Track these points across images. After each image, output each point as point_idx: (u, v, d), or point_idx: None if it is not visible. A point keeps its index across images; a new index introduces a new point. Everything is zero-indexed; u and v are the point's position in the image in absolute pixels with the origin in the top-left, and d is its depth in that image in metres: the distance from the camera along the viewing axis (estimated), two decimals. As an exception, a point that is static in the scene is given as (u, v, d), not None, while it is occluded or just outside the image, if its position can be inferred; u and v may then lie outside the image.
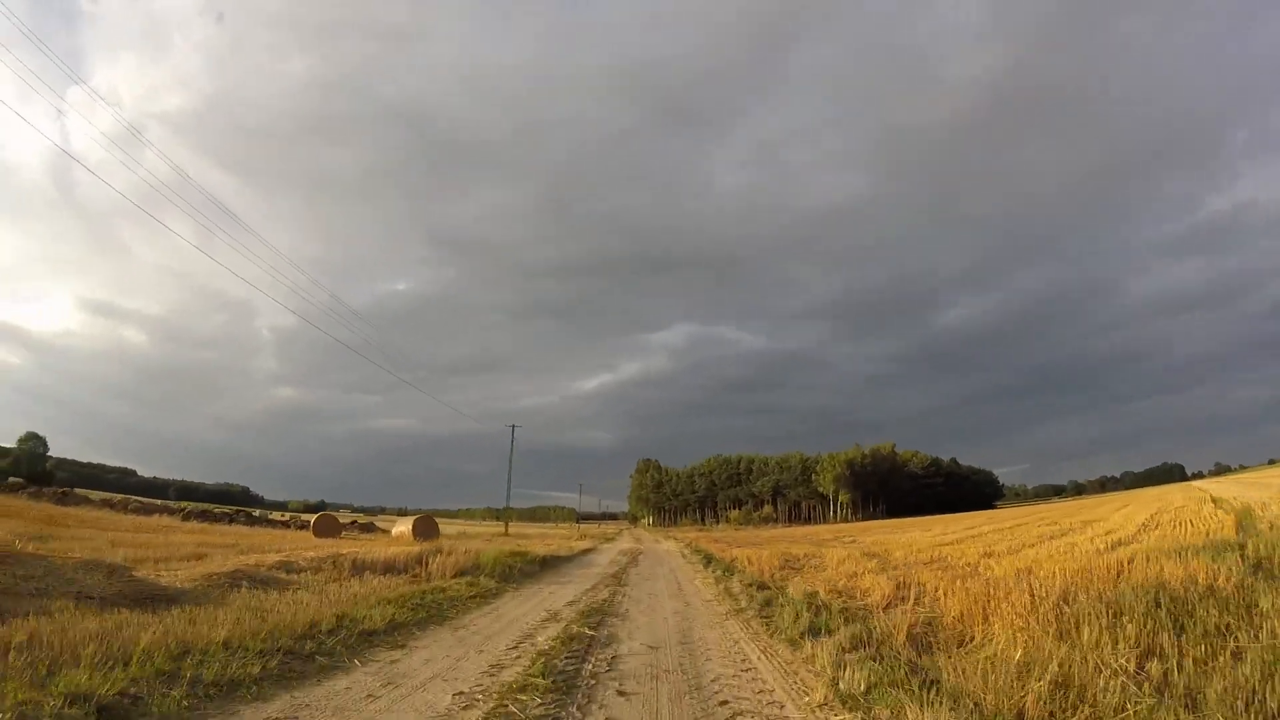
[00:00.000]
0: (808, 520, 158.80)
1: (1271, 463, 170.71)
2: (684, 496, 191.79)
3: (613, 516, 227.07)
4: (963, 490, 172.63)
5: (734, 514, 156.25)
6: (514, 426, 62.82)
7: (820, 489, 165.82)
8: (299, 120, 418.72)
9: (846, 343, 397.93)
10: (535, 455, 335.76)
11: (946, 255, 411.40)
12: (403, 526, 42.18)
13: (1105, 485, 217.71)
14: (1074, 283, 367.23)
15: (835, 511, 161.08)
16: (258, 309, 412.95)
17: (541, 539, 51.14)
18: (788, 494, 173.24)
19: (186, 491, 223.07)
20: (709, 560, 28.33)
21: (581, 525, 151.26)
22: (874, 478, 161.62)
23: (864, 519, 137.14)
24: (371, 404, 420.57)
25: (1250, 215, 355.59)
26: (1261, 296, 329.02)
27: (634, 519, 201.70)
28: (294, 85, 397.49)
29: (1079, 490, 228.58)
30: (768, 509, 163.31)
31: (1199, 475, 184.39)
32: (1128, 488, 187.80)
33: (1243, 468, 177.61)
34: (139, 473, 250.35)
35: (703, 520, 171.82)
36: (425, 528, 40.94)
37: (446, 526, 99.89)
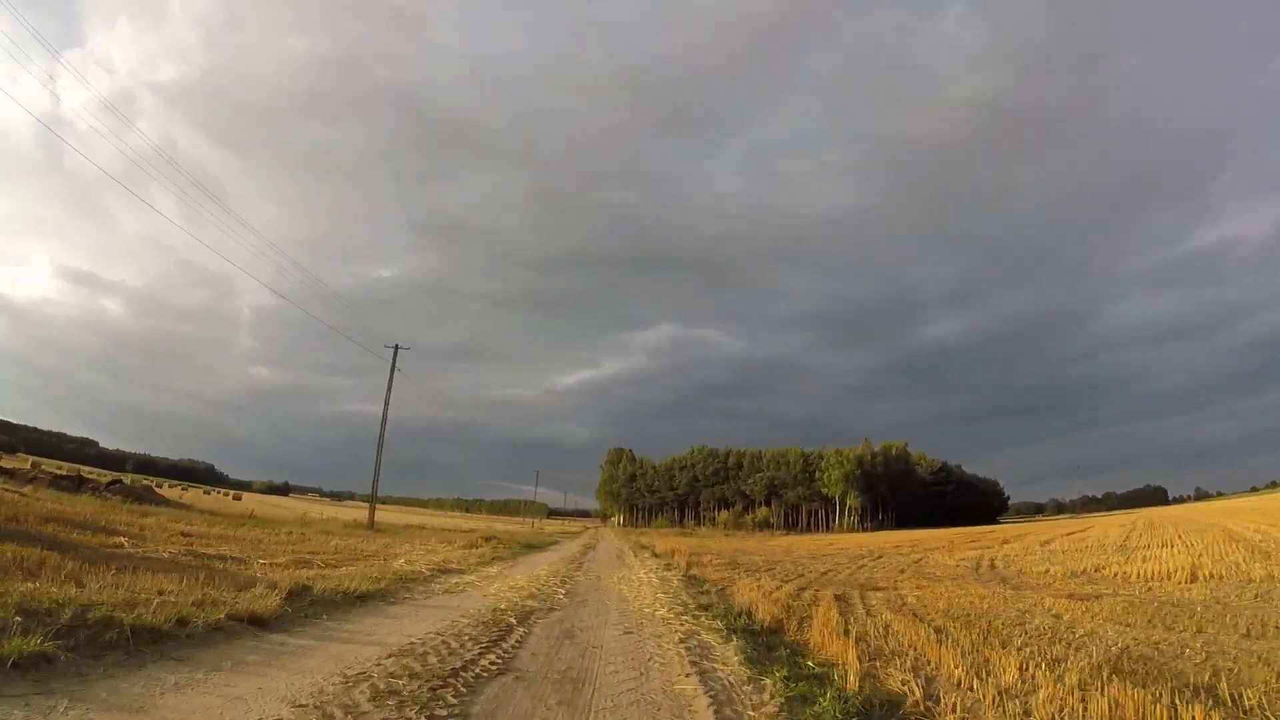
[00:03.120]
0: (809, 528, 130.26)
1: (1254, 490, 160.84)
2: (661, 493, 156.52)
3: (584, 513, 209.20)
4: (972, 500, 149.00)
5: (723, 516, 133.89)
6: (396, 347, 44.52)
7: (825, 490, 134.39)
8: (294, 98, 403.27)
9: (828, 352, 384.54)
10: (511, 447, 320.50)
11: (933, 272, 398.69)
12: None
13: (1088, 505, 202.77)
14: (1057, 306, 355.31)
15: (841, 518, 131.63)
16: (239, 287, 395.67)
17: (444, 541, 32.73)
18: (785, 494, 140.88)
19: (145, 465, 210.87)
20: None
21: (538, 522, 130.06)
22: (884, 480, 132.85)
23: (873, 528, 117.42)
24: (347, 387, 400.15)
25: (1233, 251, 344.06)
26: (1239, 331, 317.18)
27: (604, 517, 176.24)
28: (291, 62, 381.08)
29: (1059, 509, 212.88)
30: (763, 511, 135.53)
31: (1180, 500, 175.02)
32: (1110, 509, 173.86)
33: (1221, 494, 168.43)
34: (101, 444, 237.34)
35: (681, 521, 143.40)
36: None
37: (405, 516, 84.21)
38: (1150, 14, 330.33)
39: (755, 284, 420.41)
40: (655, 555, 32.35)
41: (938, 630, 11.18)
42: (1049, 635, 11.13)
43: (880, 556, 35.30)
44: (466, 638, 8.84)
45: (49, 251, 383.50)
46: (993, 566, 27.83)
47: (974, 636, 10.65)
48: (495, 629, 9.64)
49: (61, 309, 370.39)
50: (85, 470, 57.08)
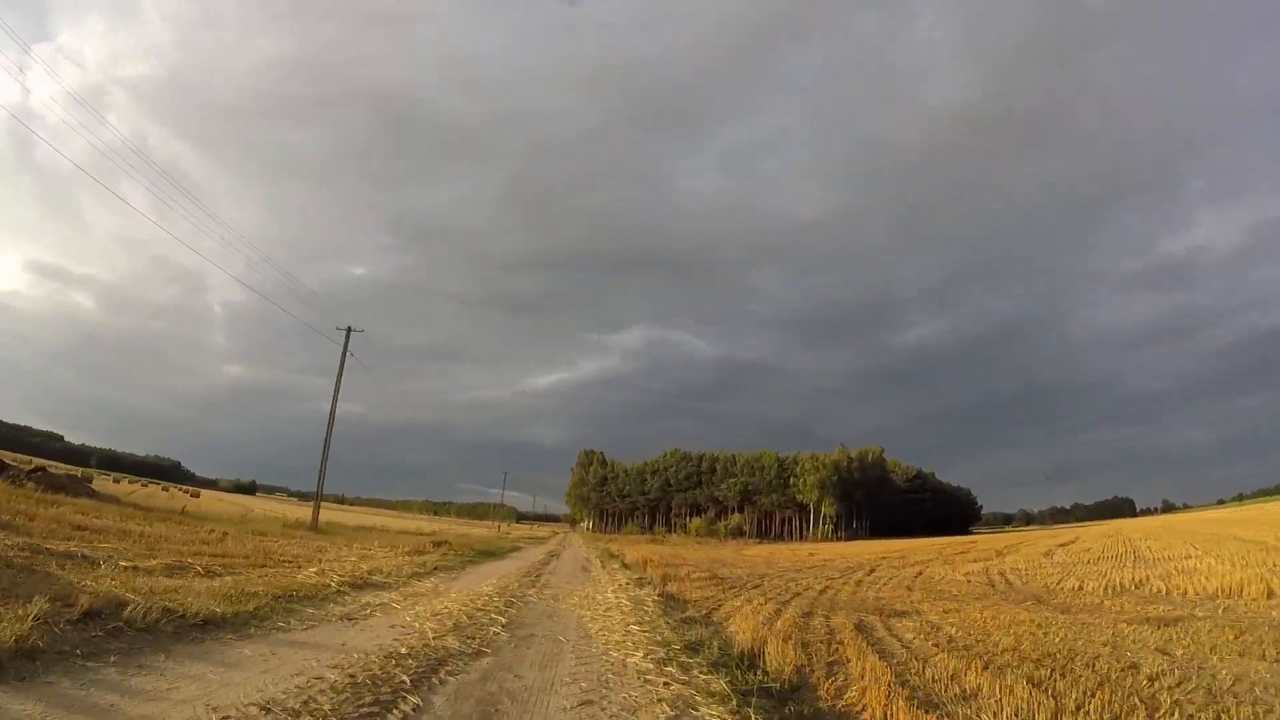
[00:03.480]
0: (783, 535, 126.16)
1: (1220, 503, 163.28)
2: (632, 498, 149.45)
3: (554, 518, 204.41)
4: (948, 509, 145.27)
5: (695, 523, 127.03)
6: (349, 329, 40.69)
7: (800, 496, 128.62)
8: (265, 97, 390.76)
9: (805, 354, 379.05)
10: (482, 449, 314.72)
11: (909, 273, 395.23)
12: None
13: (1056, 516, 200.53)
14: (1031, 310, 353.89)
15: (816, 525, 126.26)
16: (210, 283, 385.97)
17: (389, 545, 29.05)
18: (759, 501, 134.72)
19: (110, 460, 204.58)
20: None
21: (503, 526, 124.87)
22: (860, 487, 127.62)
23: (848, 537, 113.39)
24: (320, 387, 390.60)
25: (1205, 257, 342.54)
26: (1211, 335, 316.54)
27: (573, 522, 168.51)
28: (263, 62, 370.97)
29: (1028, 520, 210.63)
30: (736, 518, 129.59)
31: (1148, 512, 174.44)
32: (1079, 520, 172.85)
33: (1187, 507, 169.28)
34: (66, 438, 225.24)
35: (651, 527, 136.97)
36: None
37: (366, 517, 79.98)
38: (1124, 15, 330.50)
39: (732, 285, 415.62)
40: (625, 566, 28.91)
41: (1033, 683, 7.72)
42: (1193, 685, 7.80)
43: (873, 570, 32.12)
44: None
45: (18, 246, 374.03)
46: (1008, 582, 24.71)
47: (1085, 692, 7.26)
48: (370, 696, 5.99)
49: (29, 302, 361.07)
50: (12, 458, 52.53)
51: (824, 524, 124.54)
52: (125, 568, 11.61)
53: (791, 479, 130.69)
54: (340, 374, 40.27)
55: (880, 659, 9.43)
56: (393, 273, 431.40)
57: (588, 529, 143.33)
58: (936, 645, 11.29)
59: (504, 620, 11.02)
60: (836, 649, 10.63)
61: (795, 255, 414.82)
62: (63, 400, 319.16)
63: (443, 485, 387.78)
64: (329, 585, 12.91)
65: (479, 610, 11.76)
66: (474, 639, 9.20)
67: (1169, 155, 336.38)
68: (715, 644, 10.17)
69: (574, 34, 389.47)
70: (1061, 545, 45.67)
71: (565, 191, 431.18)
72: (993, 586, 23.24)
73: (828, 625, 13.41)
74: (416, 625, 9.83)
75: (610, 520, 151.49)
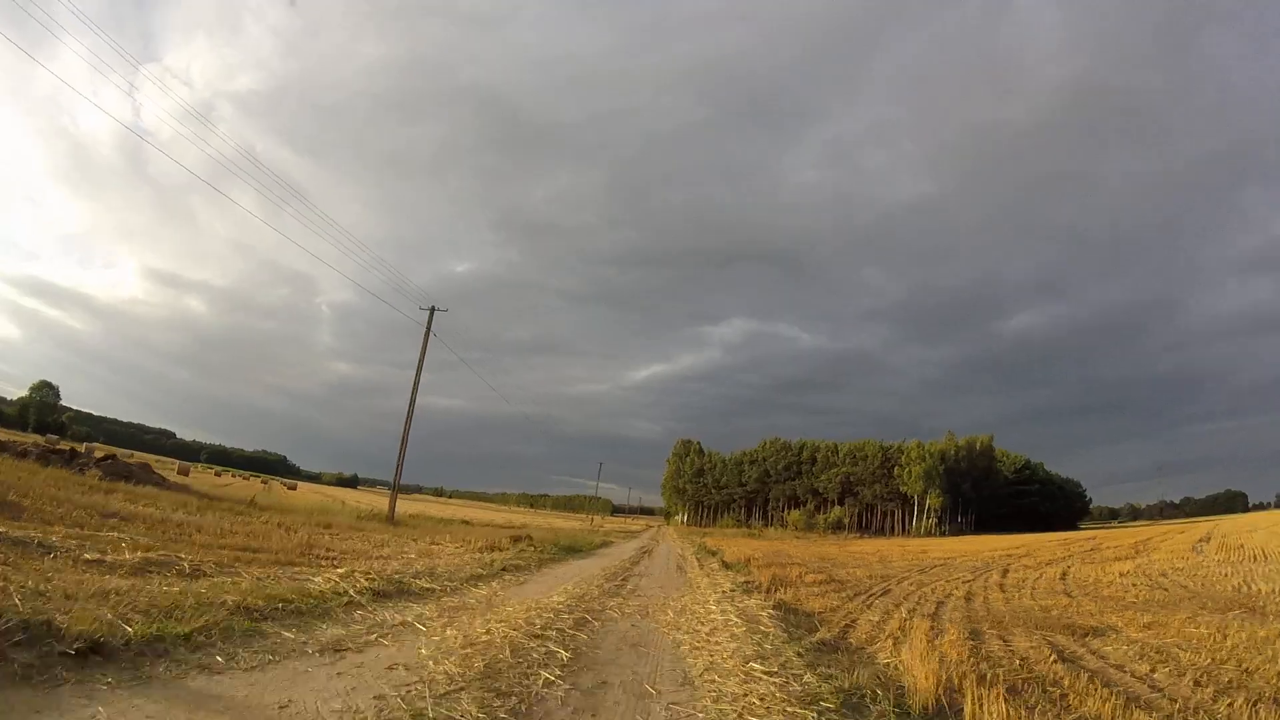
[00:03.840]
0: (882, 531, 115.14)
1: None
2: (729, 489, 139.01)
3: (649, 511, 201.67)
4: (1056, 502, 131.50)
5: (794, 515, 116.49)
6: (433, 309, 38.17)
7: (904, 488, 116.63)
8: (372, 100, 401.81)
9: (906, 346, 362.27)
10: (581, 442, 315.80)
11: (1016, 263, 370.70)
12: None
13: (1165, 511, 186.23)
14: (1144, 297, 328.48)
15: (920, 519, 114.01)
16: (319, 285, 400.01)
17: (461, 540, 26.13)
18: (860, 493, 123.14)
19: (219, 455, 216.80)
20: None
21: (596, 519, 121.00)
22: (968, 478, 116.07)
23: (952, 531, 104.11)
24: (426, 382, 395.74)
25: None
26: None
27: (667, 515, 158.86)
28: (368, 66, 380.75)
29: (1134, 514, 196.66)
30: (837, 511, 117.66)
31: (1260, 506, 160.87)
32: (1189, 515, 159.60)
33: None
34: (177, 435, 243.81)
35: (748, 520, 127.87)
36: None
37: (459, 510, 78.66)
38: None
39: (832, 276, 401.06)
40: (726, 566, 25.19)
41: None
42: None
43: (1006, 571, 27.91)
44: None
45: (136, 254, 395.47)
46: (1179, 584, 20.83)
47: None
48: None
49: (149, 308, 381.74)
50: (95, 447, 52.43)
51: (928, 517, 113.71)
52: (89, 561, 8.91)
53: (895, 469, 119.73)
54: (423, 354, 37.88)
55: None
56: (498, 268, 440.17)
57: (682, 522, 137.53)
58: (1196, 683, 8.06)
59: (566, 655, 7.49)
60: (1061, 696, 6.99)
61: (898, 245, 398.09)
62: (179, 399, 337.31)
63: (540, 478, 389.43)
64: (346, 592, 9.75)
65: (535, 635, 8.29)
66: (510, 695, 5.78)
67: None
68: (883, 693, 6.61)
69: (671, 28, 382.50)
70: (1201, 540, 40.11)
71: (666, 186, 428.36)
72: (1163, 589, 19.60)
73: (1009, 651, 9.94)
74: (429, 665, 6.43)
75: (706, 513, 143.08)
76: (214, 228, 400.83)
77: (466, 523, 42.51)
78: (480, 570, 15.43)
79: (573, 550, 26.98)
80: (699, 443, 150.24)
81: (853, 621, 12.09)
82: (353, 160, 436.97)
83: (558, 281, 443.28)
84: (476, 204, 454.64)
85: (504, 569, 16.53)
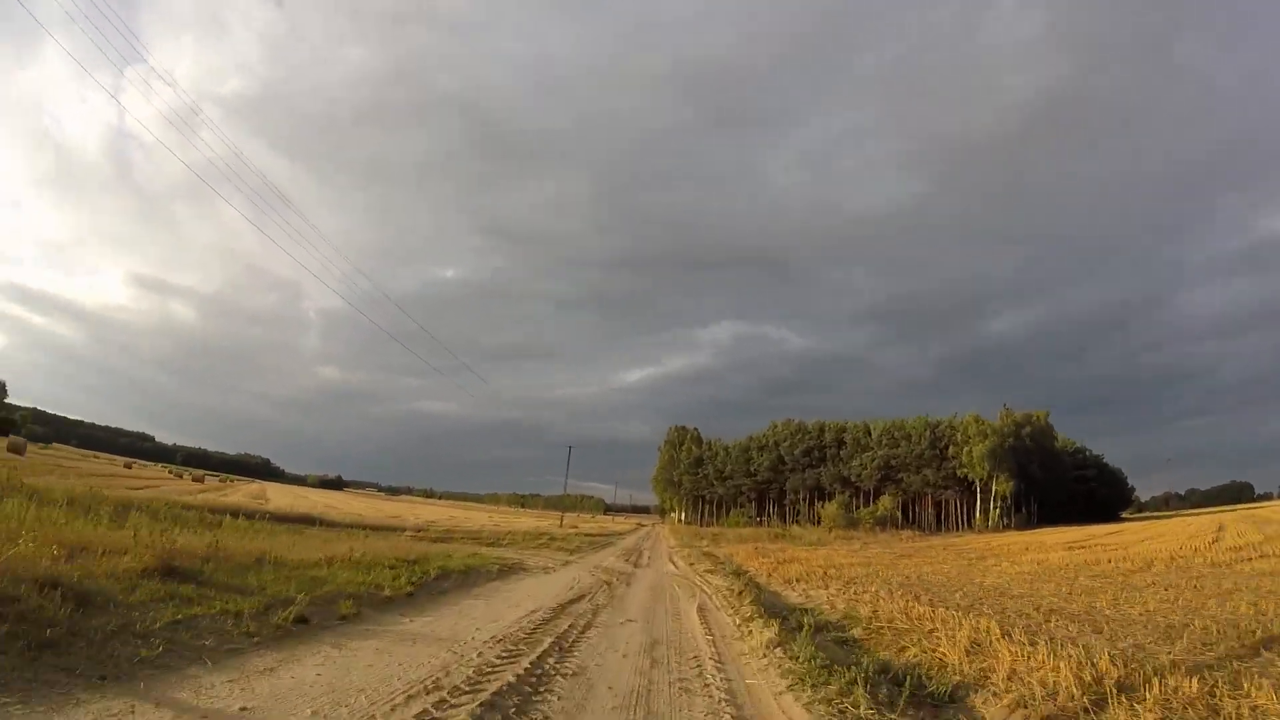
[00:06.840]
0: (938, 527, 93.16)
1: None
2: (735, 480, 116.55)
3: (644, 509, 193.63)
4: (1112, 490, 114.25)
5: (829, 509, 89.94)
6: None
7: (963, 472, 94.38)
8: (356, 107, 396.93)
9: (892, 348, 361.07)
10: (569, 444, 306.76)
11: (994, 266, 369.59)
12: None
13: (1171, 502, 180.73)
14: (1124, 298, 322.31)
15: (985, 510, 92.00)
16: (306, 291, 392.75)
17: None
18: (902, 480, 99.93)
19: (198, 458, 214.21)
20: None
21: (568, 518, 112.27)
22: (1033, 459, 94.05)
23: (1019, 525, 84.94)
24: (412, 387, 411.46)
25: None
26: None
27: (662, 512, 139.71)
28: (352, 73, 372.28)
29: (1139, 507, 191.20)
30: (885, 503, 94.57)
31: (1266, 497, 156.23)
32: (1195, 505, 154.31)
33: None
34: (156, 438, 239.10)
35: (761, 517, 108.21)
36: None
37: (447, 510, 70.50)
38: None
39: (816, 279, 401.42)
40: (762, 611, 12.36)
41: None
42: None
43: (1153, 581, 19.13)
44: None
45: (120, 260, 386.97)
46: None
47: None
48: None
49: (133, 314, 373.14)
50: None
51: (994, 507, 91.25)
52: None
53: (949, 448, 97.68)
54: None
55: None
56: (483, 274, 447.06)
57: (679, 520, 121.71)
58: None
59: None
60: None
61: (879, 248, 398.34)
62: (163, 405, 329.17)
63: (536, 480, 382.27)
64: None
65: None
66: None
67: (1266, 135, 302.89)
68: None
69: (650, 33, 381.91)
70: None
71: (651, 190, 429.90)
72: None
73: None
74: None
75: (707, 509, 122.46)
76: (199, 234, 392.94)
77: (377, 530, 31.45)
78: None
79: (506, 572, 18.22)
80: (696, 429, 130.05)
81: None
82: (336, 167, 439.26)
83: (543, 286, 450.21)
84: (460, 211, 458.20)
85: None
